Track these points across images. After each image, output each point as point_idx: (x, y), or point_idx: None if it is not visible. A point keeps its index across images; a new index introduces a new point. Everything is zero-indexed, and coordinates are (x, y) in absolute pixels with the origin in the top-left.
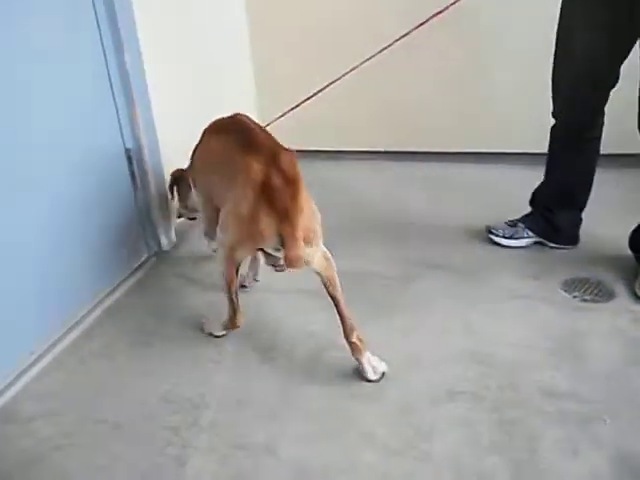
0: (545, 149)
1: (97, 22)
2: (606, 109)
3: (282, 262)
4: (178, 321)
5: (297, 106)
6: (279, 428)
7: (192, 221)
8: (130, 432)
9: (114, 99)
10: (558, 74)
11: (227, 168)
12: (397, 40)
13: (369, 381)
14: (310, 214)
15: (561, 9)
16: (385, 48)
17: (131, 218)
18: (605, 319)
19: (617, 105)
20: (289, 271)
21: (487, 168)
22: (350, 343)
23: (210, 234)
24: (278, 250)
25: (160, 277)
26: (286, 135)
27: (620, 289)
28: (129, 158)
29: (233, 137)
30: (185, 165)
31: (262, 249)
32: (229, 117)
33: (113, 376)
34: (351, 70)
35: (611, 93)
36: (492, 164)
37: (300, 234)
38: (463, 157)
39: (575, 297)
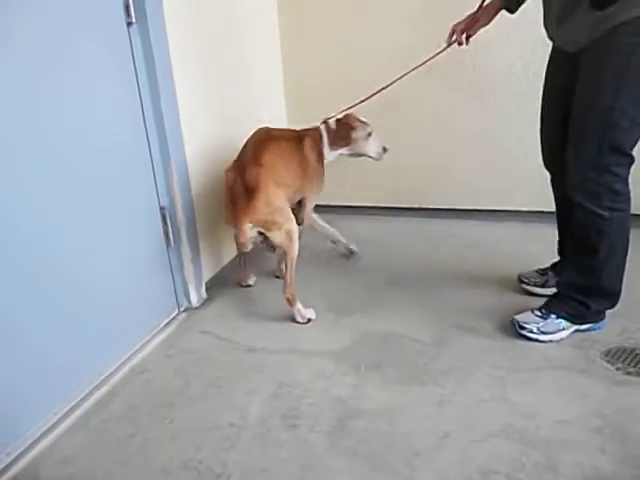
0: None
1: (138, 85)
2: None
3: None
4: (204, 382)
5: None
6: None
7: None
8: None
9: (151, 158)
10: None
11: None
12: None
13: (297, 322)
14: (266, 212)
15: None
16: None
17: (162, 274)
18: None
19: None
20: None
21: (513, 226)
22: (285, 297)
23: None
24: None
25: (188, 334)
26: (326, 190)
27: None
28: (163, 216)
29: (241, 149)
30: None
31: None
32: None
33: (135, 440)
34: (381, 90)
35: None
36: (519, 222)
37: (245, 227)
38: (489, 215)
39: (618, 369)
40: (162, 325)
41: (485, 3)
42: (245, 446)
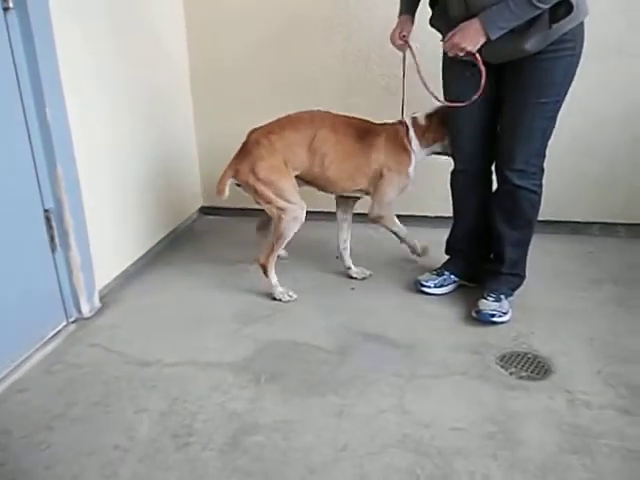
0: None
1: (17, 78)
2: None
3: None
4: (89, 400)
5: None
6: None
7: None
8: None
9: (33, 156)
10: (455, 136)
11: None
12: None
13: (275, 299)
14: (251, 178)
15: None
16: None
17: (48, 282)
18: (541, 400)
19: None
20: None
21: (425, 231)
22: (259, 264)
23: None
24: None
25: (76, 348)
26: (230, 192)
27: (557, 365)
28: (47, 219)
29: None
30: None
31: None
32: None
33: (4, 470)
34: None
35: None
36: (429, 227)
37: (225, 178)
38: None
39: (512, 374)
40: (47, 338)
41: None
42: (129, 471)
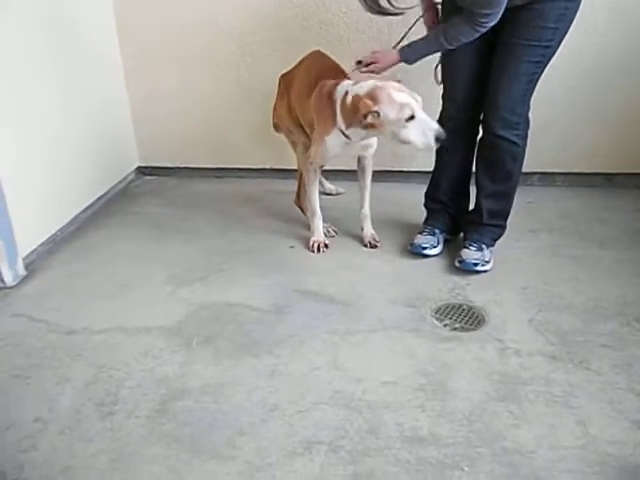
0: None
1: None
2: None
3: None
4: (8, 373)
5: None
6: None
7: None
8: None
9: None
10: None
11: None
12: None
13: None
14: (274, 116)
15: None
16: None
17: None
18: (472, 350)
19: None
20: None
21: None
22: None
23: None
24: None
25: None
26: (168, 151)
27: (490, 314)
28: None
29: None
30: None
31: None
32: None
33: None
34: None
35: None
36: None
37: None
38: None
39: (446, 326)
40: None
41: None
42: (49, 444)
